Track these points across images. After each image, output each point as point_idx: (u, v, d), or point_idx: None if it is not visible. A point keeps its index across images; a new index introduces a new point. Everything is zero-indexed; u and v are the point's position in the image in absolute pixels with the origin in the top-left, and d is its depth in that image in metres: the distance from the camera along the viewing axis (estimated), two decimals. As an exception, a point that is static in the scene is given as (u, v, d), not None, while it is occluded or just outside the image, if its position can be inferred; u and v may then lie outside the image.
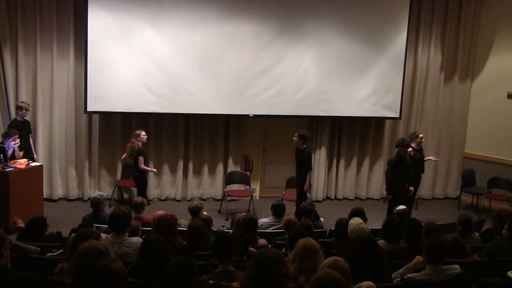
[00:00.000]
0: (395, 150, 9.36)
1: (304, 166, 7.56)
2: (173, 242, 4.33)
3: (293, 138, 7.58)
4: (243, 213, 6.61)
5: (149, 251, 3.63)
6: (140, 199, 6.10)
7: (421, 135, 8.07)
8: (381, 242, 4.73)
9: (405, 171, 7.43)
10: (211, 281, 3.49)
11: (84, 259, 3.10)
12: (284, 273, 3.13)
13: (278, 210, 6.08)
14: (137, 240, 4.47)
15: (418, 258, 4.04)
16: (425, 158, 8.25)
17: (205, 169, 8.87)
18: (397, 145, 7.56)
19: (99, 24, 7.83)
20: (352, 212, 5.66)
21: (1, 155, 6.84)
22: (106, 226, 4.83)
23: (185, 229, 5.38)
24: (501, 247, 4.73)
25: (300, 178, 7.62)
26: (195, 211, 5.83)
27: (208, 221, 5.44)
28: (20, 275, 3.31)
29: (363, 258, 3.55)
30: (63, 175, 8.45)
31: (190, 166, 8.83)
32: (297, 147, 7.64)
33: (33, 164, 7.21)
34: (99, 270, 2.83)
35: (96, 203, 5.89)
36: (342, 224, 4.93)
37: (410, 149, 7.75)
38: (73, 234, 3.98)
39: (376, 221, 7.74)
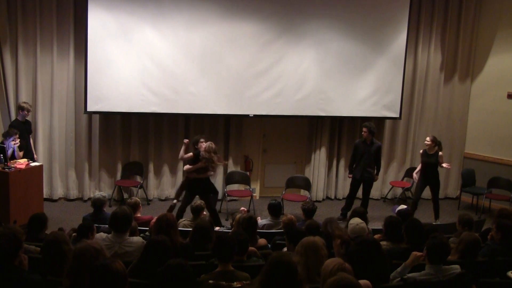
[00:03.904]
0: (395, 150, 9.49)
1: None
2: (175, 240, 4.34)
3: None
4: (242, 208, 6.66)
5: (154, 252, 3.62)
6: (134, 199, 6.10)
7: (427, 138, 8.05)
8: (381, 242, 4.73)
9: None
10: (210, 281, 3.50)
11: (81, 260, 3.10)
12: (300, 278, 3.11)
13: (275, 210, 6.07)
14: (137, 239, 4.47)
15: (414, 253, 4.03)
16: (443, 164, 7.96)
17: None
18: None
19: (99, 24, 7.83)
20: (353, 212, 5.68)
21: (1, 155, 6.84)
22: (107, 225, 4.82)
23: (184, 228, 5.41)
24: (494, 255, 4.66)
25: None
26: (197, 210, 5.83)
27: (212, 223, 5.44)
28: (30, 277, 3.31)
29: (366, 258, 3.54)
30: (63, 175, 8.44)
31: (190, 166, 8.83)
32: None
33: (33, 164, 7.21)
34: (100, 269, 2.82)
35: (99, 204, 5.88)
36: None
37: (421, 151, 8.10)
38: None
39: (376, 221, 7.73)
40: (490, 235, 5.04)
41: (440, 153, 7.90)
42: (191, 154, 7.23)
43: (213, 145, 7.17)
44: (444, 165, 7.99)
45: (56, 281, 3.40)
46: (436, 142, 7.90)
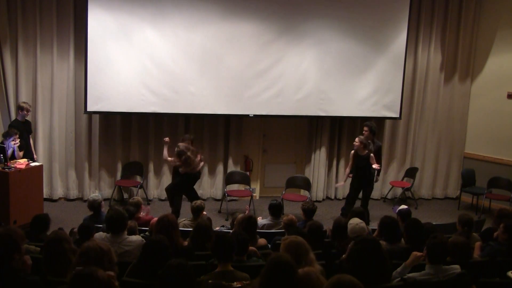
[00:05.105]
0: (395, 150, 9.48)
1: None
2: (176, 240, 4.34)
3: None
4: (246, 206, 6.65)
5: (152, 252, 3.62)
6: (136, 199, 6.09)
7: (356, 139, 7.62)
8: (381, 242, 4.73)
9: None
10: (210, 281, 3.49)
11: (86, 258, 3.09)
12: (298, 278, 3.11)
13: (275, 210, 6.07)
14: (136, 238, 4.48)
15: (415, 254, 4.03)
16: (373, 166, 7.61)
17: (205, 169, 8.85)
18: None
19: (99, 24, 7.83)
20: (352, 213, 5.66)
21: (1, 155, 6.84)
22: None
23: (184, 228, 5.41)
24: (496, 255, 4.65)
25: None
26: (197, 210, 5.83)
27: (210, 222, 5.45)
28: (27, 279, 3.30)
29: (366, 257, 3.54)
30: (63, 175, 8.44)
31: (190, 166, 8.82)
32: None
33: (33, 164, 7.21)
34: (83, 277, 2.73)
35: (96, 205, 5.88)
36: (340, 225, 4.94)
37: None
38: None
39: (376, 221, 7.72)
40: (496, 234, 5.03)
41: (371, 154, 7.57)
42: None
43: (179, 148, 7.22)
44: (373, 166, 7.55)
45: (56, 281, 3.40)
46: (365, 144, 7.48)
